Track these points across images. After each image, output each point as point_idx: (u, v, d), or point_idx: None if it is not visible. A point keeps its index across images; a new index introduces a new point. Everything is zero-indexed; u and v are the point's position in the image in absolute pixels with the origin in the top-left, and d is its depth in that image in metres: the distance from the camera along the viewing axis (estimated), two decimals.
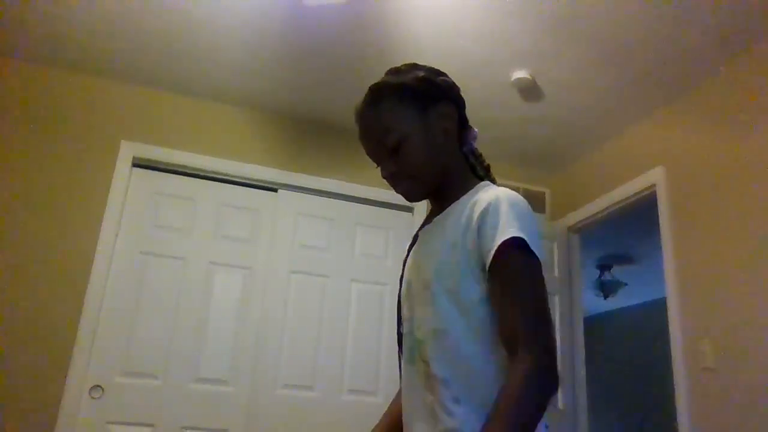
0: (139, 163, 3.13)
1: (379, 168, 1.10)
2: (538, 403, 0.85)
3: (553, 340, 0.90)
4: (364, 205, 3.46)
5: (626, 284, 6.08)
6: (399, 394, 1.15)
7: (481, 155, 1.18)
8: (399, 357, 1.13)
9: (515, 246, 0.92)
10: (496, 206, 0.96)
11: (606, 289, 5.94)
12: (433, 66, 1.13)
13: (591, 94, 3.01)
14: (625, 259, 5.66)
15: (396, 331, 1.18)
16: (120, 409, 2.79)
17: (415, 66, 1.12)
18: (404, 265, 1.18)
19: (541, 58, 2.77)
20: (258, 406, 2.96)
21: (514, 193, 1.01)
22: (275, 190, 3.34)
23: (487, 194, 1.01)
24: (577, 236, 3.73)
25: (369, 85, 1.11)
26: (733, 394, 2.40)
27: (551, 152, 3.64)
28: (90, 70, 3.10)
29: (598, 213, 3.43)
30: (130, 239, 3.01)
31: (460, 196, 1.08)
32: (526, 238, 0.92)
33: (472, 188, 1.09)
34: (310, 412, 3.04)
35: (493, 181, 1.14)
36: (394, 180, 1.08)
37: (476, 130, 1.17)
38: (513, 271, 0.92)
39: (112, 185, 3.01)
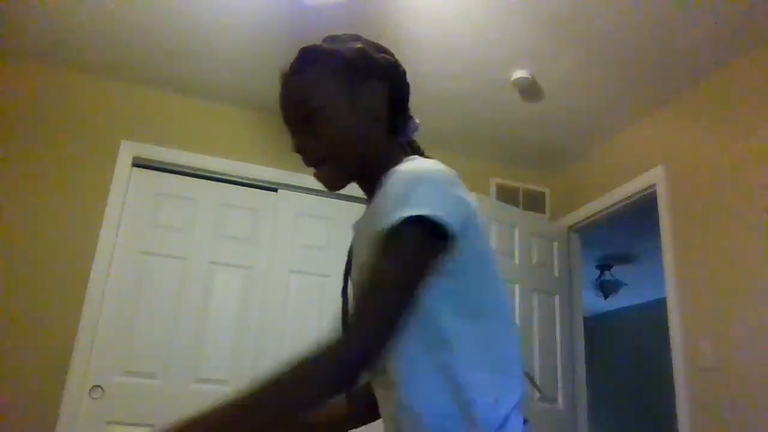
0: (139, 163, 3.13)
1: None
2: (311, 390, 0.70)
3: (382, 333, 0.73)
4: (364, 205, 3.46)
5: (626, 284, 6.08)
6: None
7: (419, 148, 1.02)
8: None
9: (402, 228, 0.77)
10: (392, 183, 0.81)
11: (606, 289, 5.94)
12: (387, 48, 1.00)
13: (591, 94, 3.02)
14: (625, 259, 5.66)
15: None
16: (120, 409, 2.79)
17: (356, 37, 0.97)
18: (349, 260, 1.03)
19: (541, 58, 2.77)
20: None
21: (423, 162, 0.83)
22: (275, 190, 3.34)
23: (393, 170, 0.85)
24: (577, 236, 3.73)
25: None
26: (733, 394, 2.40)
27: (551, 152, 3.64)
28: (90, 70, 3.10)
29: (598, 213, 3.43)
30: (130, 239, 3.01)
31: None
32: (418, 213, 0.76)
33: None
34: None
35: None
36: (307, 160, 0.93)
37: (418, 121, 1.01)
38: (387, 249, 0.77)
39: (112, 185, 3.01)
